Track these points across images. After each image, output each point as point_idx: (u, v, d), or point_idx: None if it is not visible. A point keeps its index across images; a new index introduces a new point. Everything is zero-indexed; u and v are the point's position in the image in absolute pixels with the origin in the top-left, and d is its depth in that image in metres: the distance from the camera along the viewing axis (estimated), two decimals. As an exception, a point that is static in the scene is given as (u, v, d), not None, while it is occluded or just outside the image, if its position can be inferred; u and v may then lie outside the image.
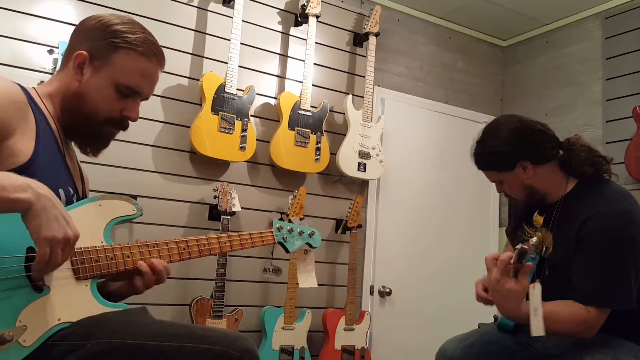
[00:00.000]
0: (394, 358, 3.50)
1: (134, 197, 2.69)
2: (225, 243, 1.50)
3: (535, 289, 1.56)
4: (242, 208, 2.86)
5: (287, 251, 1.67)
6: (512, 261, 1.57)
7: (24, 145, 1.20)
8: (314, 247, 1.72)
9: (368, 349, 3.18)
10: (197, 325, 1.29)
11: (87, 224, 1.27)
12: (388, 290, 3.52)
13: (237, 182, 3.01)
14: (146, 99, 1.42)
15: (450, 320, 3.61)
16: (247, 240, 1.55)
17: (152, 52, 1.37)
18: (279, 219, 1.71)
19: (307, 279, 1.75)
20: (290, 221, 2.93)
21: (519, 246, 1.56)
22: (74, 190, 1.35)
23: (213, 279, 2.69)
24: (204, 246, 1.46)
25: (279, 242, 1.64)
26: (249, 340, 1.27)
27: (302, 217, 2.97)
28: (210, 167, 2.98)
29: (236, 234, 1.54)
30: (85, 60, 1.33)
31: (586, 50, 3.65)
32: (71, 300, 1.21)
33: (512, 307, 1.63)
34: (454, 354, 1.87)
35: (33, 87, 1.35)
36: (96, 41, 1.34)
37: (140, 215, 1.38)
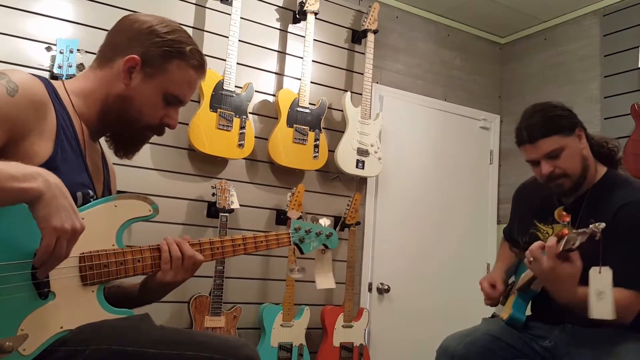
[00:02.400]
0: (393, 355, 3.51)
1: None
2: (239, 246, 1.45)
3: (603, 273, 1.54)
4: (240, 205, 2.86)
5: (301, 252, 1.60)
6: (560, 248, 1.57)
7: (41, 146, 1.17)
8: (330, 249, 1.66)
9: (366, 346, 3.19)
10: (199, 332, 1.27)
11: (101, 226, 1.24)
12: (386, 287, 3.52)
13: (235, 179, 3.01)
14: (183, 105, 1.42)
15: (448, 317, 3.62)
16: (262, 242, 1.49)
17: (200, 64, 1.38)
18: (298, 218, 1.62)
19: (324, 280, 1.69)
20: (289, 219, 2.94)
21: (567, 233, 1.56)
22: (93, 192, 1.31)
23: (212, 276, 2.69)
24: (217, 249, 1.42)
25: (295, 244, 1.57)
26: (251, 347, 1.25)
27: (300, 214, 2.96)
28: (208, 165, 2.98)
29: (251, 235, 1.48)
30: (137, 65, 1.31)
31: (584, 48, 3.66)
32: (76, 307, 1.18)
33: (571, 290, 1.62)
34: (456, 351, 1.84)
35: (61, 80, 1.32)
36: (149, 47, 1.31)
37: (157, 215, 1.33)
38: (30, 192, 1.02)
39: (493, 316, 2.11)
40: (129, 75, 1.31)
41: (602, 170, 1.89)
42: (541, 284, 1.72)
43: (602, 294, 1.53)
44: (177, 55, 1.33)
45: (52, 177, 1.06)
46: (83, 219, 1.16)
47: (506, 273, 2.14)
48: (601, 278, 1.54)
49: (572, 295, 1.63)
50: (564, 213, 1.82)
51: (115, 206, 1.28)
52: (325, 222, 1.66)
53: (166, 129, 1.40)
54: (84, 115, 1.32)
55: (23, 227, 1.08)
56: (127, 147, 1.40)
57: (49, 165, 1.16)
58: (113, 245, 1.26)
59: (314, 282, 1.74)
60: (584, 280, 1.59)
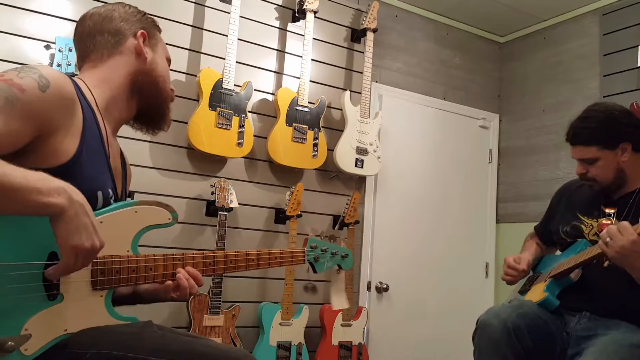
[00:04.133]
0: (391, 354, 3.51)
1: (131, 193, 2.69)
2: (252, 261, 1.45)
3: None
4: (239, 204, 2.86)
5: (315, 271, 1.59)
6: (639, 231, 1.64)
7: (68, 144, 1.16)
8: (344, 270, 1.66)
9: (365, 344, 3.19)
10: (201, 341, 1.26)
11: (119, 231, 1.24)
12: (385, 286, 3.52)
13: (234, 178, 3.01)
14: None
15: (447, 316, 3.62)
16: (275, 259, 1.49)
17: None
18: (316, 236, 1.63)
19: (340, 300, 1.69)
20: (288, 218, 2.94)
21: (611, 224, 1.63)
22: (113, 191, 1.30)
23: (210, 275, 2.69)
24: (230, 263, 1.42)
25: (309, 262, 1.57)
26: (251, 358, 1.25)
27: (299, 213, 2.97)
28: (207, 163, 2.98)
29: (266, 251, 1.49)
30: (146, 39, 1.40)
31: (583, 47, 3.66)
32: (82, 311, 1.17)
33: None
34: (509, 318, 1.85)
35: (79, 77, 1.32)
36: (143, 23, 1.43)
37: (175, 224, 1.34)
38: (52, 207, 1.02)
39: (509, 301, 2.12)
40: (144, 49, 1.39)
41: None
42: (617, 261, 1.73)
43: None
44: (156, 24, 1.48)
45: (76, 195, 1.06)
46: (102, 222, 1.17)
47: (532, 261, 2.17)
48: None
49: None
50: (610, 208, 1.90)
51: (136, 212, 1.28)
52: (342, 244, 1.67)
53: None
54: (107, 109, 1.33)
55: (36, 227, 1.07)
56: (160, 120, 1.48)
57: (73, 162, 1.16)
58: (127, 251, 1.25)
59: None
60: None
